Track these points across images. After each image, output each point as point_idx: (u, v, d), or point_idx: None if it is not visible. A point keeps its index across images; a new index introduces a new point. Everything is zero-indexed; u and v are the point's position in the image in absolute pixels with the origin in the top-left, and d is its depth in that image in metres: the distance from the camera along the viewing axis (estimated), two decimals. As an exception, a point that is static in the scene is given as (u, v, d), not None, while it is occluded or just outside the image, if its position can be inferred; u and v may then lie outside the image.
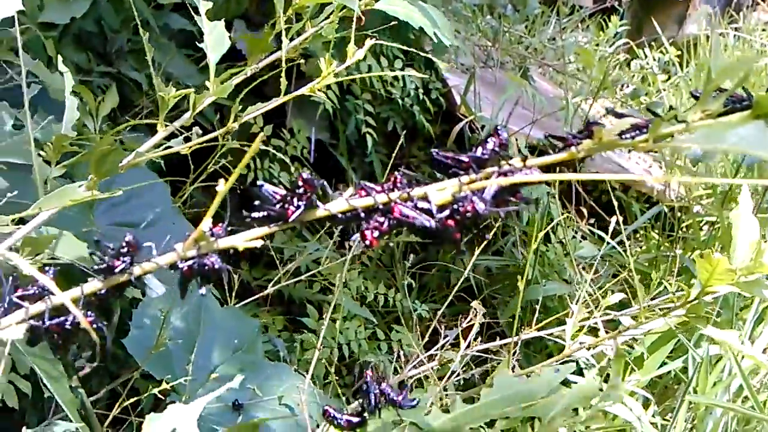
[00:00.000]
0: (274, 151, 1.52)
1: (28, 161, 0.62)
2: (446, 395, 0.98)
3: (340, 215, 0.42)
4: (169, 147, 0.67)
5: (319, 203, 0.42)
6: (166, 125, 0.66)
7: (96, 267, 0.41)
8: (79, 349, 0.81)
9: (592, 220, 2.13)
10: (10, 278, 0.40)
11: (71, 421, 0.74)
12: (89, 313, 0.40)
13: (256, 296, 1.32)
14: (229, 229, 0.43)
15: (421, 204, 0.41)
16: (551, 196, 1.66)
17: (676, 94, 3.25)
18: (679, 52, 3.26)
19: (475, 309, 0.96)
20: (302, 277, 1.41)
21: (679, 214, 2.19)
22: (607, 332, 1.21)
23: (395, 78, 1.70)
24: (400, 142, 1.38)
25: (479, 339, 0.93)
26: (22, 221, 0.52)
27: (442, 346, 0.91)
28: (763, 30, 3.99)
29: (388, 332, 1.68)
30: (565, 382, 0.85)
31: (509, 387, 0.62)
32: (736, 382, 1.35)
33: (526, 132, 1.92)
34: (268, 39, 0.72)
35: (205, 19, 0.68)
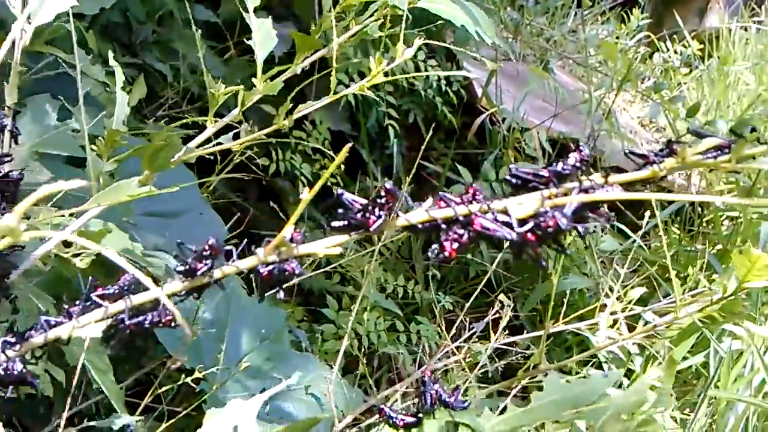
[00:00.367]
0: (296, 143, 1.53)
1: (72, 153, 0.63)
2: (471, 387, 0.99)
3: (419, 225, 0.42)
4: (220, 143, 0.67)
5: (399, 213, 0.43)
6: (216, 121, 0.67)
7: (178, 269, 0.42)
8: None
9: (612, 213, 2.12)
10: (90, 278, 0.41)
11: (102, 413, 0.76)
12: (167, 313, 0.41)
13: (277, 288, 1.33)
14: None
15: (501, 217, 0.41)
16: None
17: (698, 87, 3.22)
18: (702, 46, 3.22)
19: (500, 302, 0.97)
20: (322, 270, 1.41)
21: (699, 209, 2.18)
22: (629, 327, 1.20)
23: (417, 69, 1.70)
24: (426, 135, 1.38)
25: (504, 332, 0.93)
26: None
27: (469, 338, 0.91)
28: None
29: (407, 324, 1.68)
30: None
31: (559, 390, 0.62)
32: (758, 377, 1.35)
33: (547, 125, 1.91)
34: (315, 36, 0.73)
35: (253, 16, 0.68)
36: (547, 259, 1.77)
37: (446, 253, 0.41)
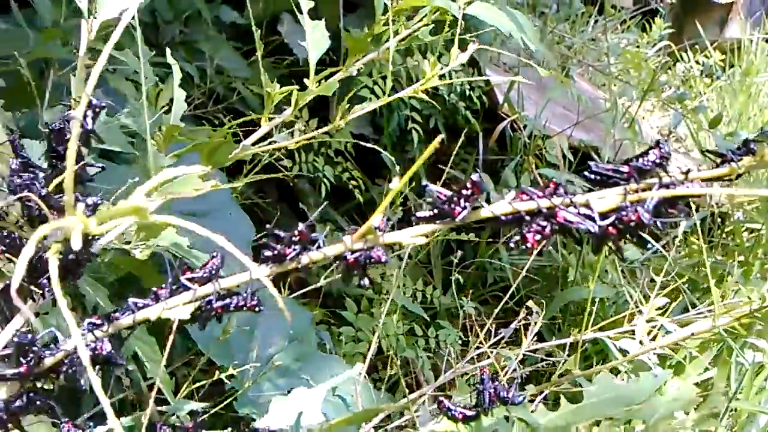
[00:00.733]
0: (318, 144, 1.53)
1: (122, 148, 0.64)
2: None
3: (503, 217, 0.43)
4: (274, 142, 0.68)
5: (484, 204, 0.43)
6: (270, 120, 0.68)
7: (266, 254, 0.42)
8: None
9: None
10: (178, 261, 0.42)
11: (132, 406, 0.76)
12: (253, 297, 0.42)
13: (301, 291, 1.33)
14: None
15: (583, 210, 0.41)
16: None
17: (718, 98, 3.20)
18: (724, 56, 3.21)
19: (528, 308, 0.97)
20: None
21: (719, 220, 2.17)
22: (650, 338, 1.20)
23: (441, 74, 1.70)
24: (446, 140, 1.38)
25: (534, 338, 0.93)
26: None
27: (498, 343, 0.91)
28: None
29: (425, 329, 1.68)
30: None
31: (611, 389, 0.63)
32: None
33: (568, 133, 1.91)
34: (367, 39, 0.74)
35: (307, 18, 0.69)
36: (567, 267, 1.76)
37: (529, 244, 0.42)
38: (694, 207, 2.28)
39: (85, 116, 0.51)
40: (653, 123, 2.94)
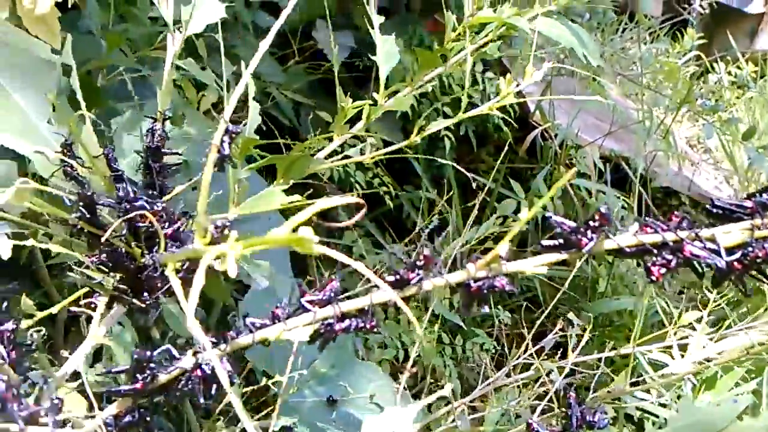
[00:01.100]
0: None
1: (188, 158, 0.64)
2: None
3: (627, 249, 0.44)
4: (348, 156, 0.69)
5: (610, 236, 0.44)
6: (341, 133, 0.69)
7: (388, 279, 0.43)
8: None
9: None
10: (296, 284, 0.43)
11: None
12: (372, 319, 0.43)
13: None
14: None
15: (709, 245, 0.42)
16: (628, 209, 1.65)
17: (747, 110, 3.17)
18: (757, 68, 3.18)
19: (569, 319, 0.96)
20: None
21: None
22: (681, 352, 1.19)
23: (474, 82, 1.70)
24: (476, 148, 1.39)
25: (576, 351, 0.93)
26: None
27: (535, 354, 0.91)
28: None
29: (452, 337, 1.68)
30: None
31: (695, 414, 0.63)
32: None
33: (600, 143, 1.90)
34: (438, 55, 0.74)
35: (378, 32, 0.69)
36: (597, 278, 1.75)
37: (653, 278, 0.42)
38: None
39: (222, 142, 0.53)
40: (681, 133, 2.92)
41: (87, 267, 0.51)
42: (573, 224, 0.44)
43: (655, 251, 0.43)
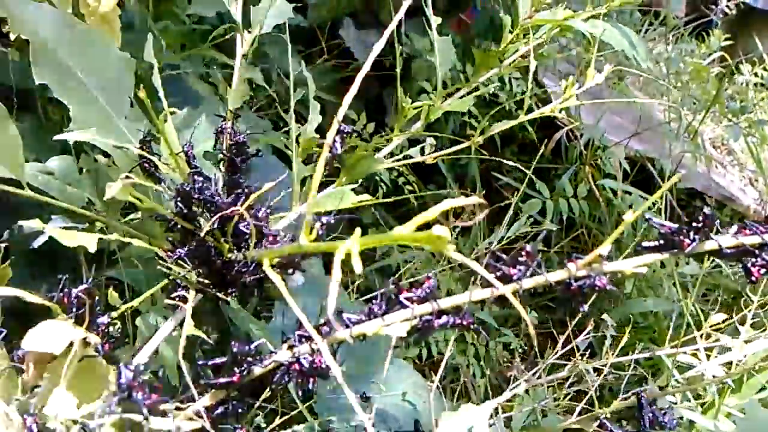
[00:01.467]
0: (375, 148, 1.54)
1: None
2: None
3: (727, 250, 0.45)
4: (409, 156, 0.69)
5: (712, 236, 0.45)
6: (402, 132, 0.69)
7: (495, 275, 0.44)
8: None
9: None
10: (391, 280, 0.44)
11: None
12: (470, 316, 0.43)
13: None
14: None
15: None
16: (655, 211, 1.64)
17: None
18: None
19: (602, 319, 0.96)
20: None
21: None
22: (707, 354, 1.18)
23: (501, 81, 1.70)
24: (500, 147, 1.38)
25: (615, 352, 0.93)
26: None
27: (571, 354, 0.91)
28: None
29: (476, 335, 1.68)
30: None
31: (763, 417, 0.63)
32: None
33: (625, 143, 1.89)
34: (495, 56, 0.74)
35: (436, 34, 0.69)
36: (624, 279, 1.74)
37: (753, 278, 0.44)
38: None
39: (334, 142, 0.54)
40: (705, 135, 2.89)
41: (164, 261, 0.52)
42: (674, 225, 0.45)
43: (756, 252, 0.43)
